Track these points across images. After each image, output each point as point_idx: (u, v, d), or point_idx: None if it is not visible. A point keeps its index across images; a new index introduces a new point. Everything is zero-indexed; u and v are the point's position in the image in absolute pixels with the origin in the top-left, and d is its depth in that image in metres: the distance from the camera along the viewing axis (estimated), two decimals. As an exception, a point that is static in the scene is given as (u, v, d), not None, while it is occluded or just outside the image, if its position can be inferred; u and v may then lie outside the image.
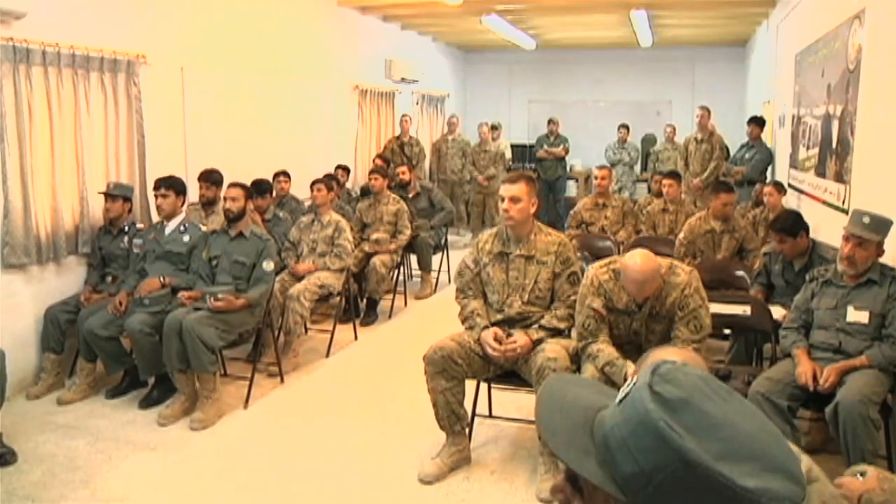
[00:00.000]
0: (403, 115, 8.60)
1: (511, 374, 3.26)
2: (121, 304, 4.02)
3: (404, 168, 6.81)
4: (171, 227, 4.32)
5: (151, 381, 4.11)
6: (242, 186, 4.26)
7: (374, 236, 5.79)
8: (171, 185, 4.31)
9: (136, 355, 3.95)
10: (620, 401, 0.73)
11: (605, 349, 2.97)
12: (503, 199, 3.20)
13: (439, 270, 6.83)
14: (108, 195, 4.37)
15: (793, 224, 3.74)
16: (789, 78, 6.24)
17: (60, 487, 3.12)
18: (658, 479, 0.67)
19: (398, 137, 8.43)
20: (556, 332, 3.20)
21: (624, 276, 2.97)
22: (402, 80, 8.96)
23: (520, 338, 3.11)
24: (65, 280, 4.33)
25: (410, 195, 6.68)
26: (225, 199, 4.23)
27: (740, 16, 8.36)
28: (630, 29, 8.98)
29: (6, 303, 4.01)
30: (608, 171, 6.25)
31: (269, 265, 4.11)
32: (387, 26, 8.72)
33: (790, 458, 0.69)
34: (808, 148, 5.36)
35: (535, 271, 3.23)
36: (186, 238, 4.27)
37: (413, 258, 6.68)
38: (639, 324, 3.05)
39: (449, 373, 3.17)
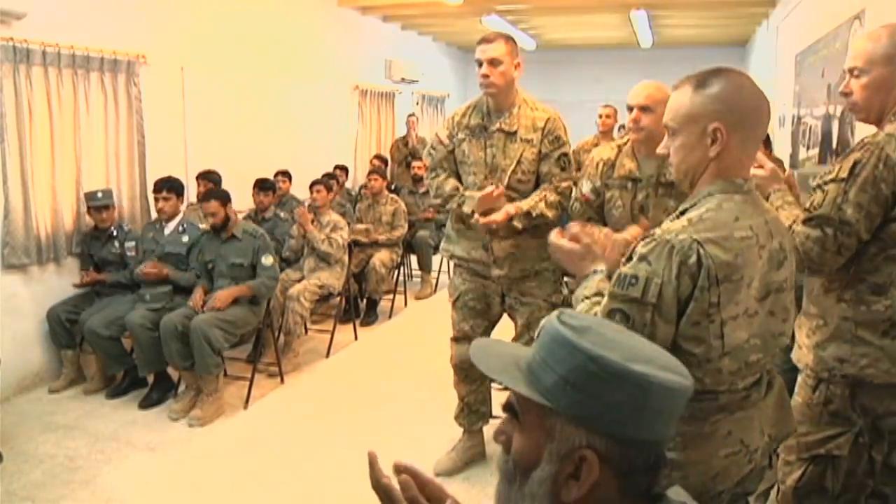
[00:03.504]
0: (410, 115, 8.51)
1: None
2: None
3: (421, 164, 6.82)
4: (170, 227, 4.32)
5: (151, 380, 4.11)
6: (216, 196, 4.06)
7: (362, 226, 5.77)
8: (173, 188, 4.30)
9: (135, 351, 3.96)
10: (536, 336, 0.91)
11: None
12: (480, 64, 2.76)
13: (439, 271, 6.83)
14: (101, 207, 4.27)
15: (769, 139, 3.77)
16: (789, 78, 6.24)
17: (60, 487, 3.12)
18: (573, 378, 0.83)
19: (404, 137, 8.41)
20: (542, 222, 2.81)
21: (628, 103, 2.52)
22: (402, 80, 8.95)
23: (498, 214, 2.76)
24: (65, 280, 4.32)
25: (421, 191, 6.73)
26: (205, 215, 4.10)
27: (740, 16, 8.36)
28: (630, 29, 8.98)
29: (6, 303, 4.01)
30: (613, 109, 6.11)
31: (267, 259, 4.06)
32: (387, 26, 8.72)
33: (677, 363, 0.89)
34: (808, 148, 5.36)
35: (519, 150, 2.83)
36: (185, 238, 4.26)
37: (413, 258, 6.70)
38: (644, 195, 2.56)
39: (471, 377, 3.15)
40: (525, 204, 2.81)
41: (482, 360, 0.94)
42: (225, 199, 4.07)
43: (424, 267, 6.58)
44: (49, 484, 3.14)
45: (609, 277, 1.50)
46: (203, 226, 4.40)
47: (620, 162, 2.61)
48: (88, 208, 4.30)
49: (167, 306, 4.00)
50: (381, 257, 5.66)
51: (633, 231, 2.45)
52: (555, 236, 1.60)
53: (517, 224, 2.79)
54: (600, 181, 2.65)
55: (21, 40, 3.93)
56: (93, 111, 4.45)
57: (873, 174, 1.69)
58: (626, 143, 2.66)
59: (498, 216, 2.75)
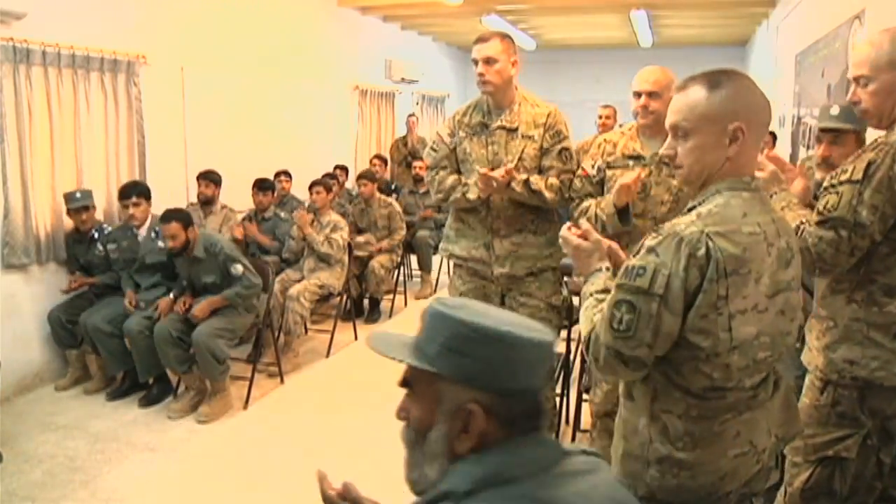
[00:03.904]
0: (410, 115, 8.48)
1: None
2: (131, 303, 4.04)
3: (422, 163, 6.79)
4: (142, 234, 4.22)
5: (150, 381, 4.11)
6: (178, 218, 3.83)
7: (361, 239, 5.73)
8: (142, 192, 4.18)
9: (134, 357, 3.95)
10: (420, 322, 1.05)
11: (593, 201, 2.67)
12: (476, 63, 2.81)
13: (439, 271, 6.83)
14: (81, 208, 4.16)
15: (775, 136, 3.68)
16: (789, 78, 6.24)
17: (60, 487, 3.12)
18: (452, 345, 0.96)
19: (403, 137, 8.40)
20: (540, 202, 2.81)
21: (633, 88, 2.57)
22: (402, 80, 8.95)
23: (499, 171, 2.73)
24: (64, 280, 4.31)
25: (421, 191, 6.72)
26: (165, 238, 3.90)
27: (740, 16, 8.36)
28: (630, 29, 8.99)
29: (6, 303, 4.01)
30: (612, 109, 6.09)
31: (236, 269, 3.89)
32: (387, 26, 8.73)
33: (540, 326, 1.02)
34: (808, 148, 5.36)
35: (520, 146, 2.83)
36: (161, 244, 4.11)
37: (413, 258, 6.71)
38: (647, 173, 2.57)
39: None
40: (527, 175, 2.81)
41: (376, 344, 1.04)
42: (187, 221, 3.86)
43: (424, 267, 6.59)
44: (49, 484, 3.14)
45: (615, 274, 1.50)
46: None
47: (624, 142, 2.68)
48: (68, 210, 4.19)
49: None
50: (380, 259, 5.67)
51: (631, 174, 2.48)
52: (566, 231, 1.61)
53: (515, 187, 2.77)
54: (602, 159, 2.71)
55: (21, 40, 3.93)
56: (93, 111, 4.45)
57: (888, 175, 1.69)
58: (630, 129, 2.73)
59: (499, 172, 2.73)
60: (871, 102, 1.79)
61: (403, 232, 5.95)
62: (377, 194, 5.95)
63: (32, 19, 4.01)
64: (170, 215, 3.84)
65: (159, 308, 3.93)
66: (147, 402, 3.98)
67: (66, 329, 4.14)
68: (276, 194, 5.35)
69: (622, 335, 1.35)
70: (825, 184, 1.81)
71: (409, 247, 6.41)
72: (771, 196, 1.88)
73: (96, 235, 4.27)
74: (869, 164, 1.71)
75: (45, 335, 4.24)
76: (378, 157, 7.73)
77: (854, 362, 1.80)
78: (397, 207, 5.97)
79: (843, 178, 1.75)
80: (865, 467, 1.85)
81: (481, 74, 2.79)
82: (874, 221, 1.70)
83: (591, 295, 1.51)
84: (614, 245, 1.64)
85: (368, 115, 8.27)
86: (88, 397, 4.10)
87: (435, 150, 3.02)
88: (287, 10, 6.61)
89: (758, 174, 1.91)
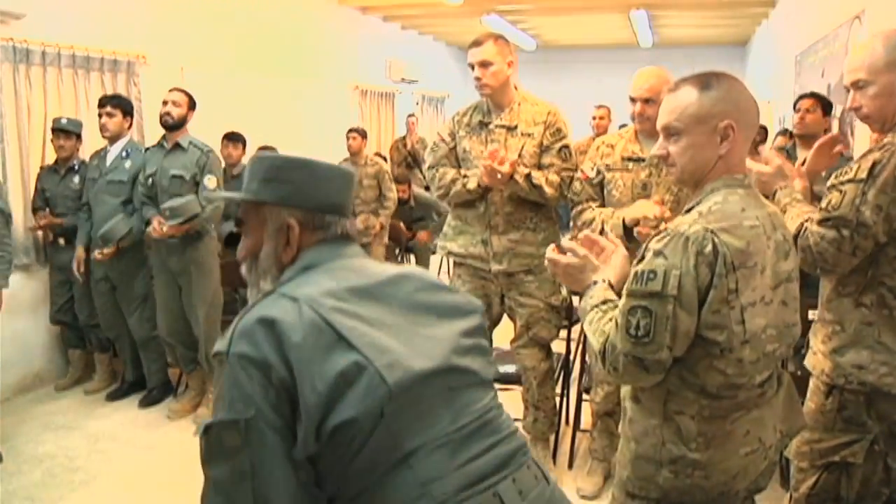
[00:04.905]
0: (410, 116, 8.44)
1: (510, 377, 3.27)
2: (80, 266, 3.81)
3: (404, 187, 6.70)
4: (113, 153, 3.86)
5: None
6: (186, 93, 3.75)
7: (360, 225, 5.62)
8: (119, 104, 3.87)
9: (145, 365, 4.00)
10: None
11: (598, 210, 2.69)
12: (472, 67, 2.83)
13: (439, 271, 6.84)
14: (63, 131, 3.90)
15: (830, 102, 3.67)
16: (789, 78, 6.24)
17: (60, 487, 3.11)
18: (269, 175, 1.21)
19: (403, 138, 8.38)
20: (539, 200, 2.84)
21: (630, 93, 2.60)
22: (402, 80, 8.95)
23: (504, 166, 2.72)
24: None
25: (406, 207, 6.69)
26: (165, 102, 3.68)
27: (740, 16, 8.37)
28: (630, 29, 8.99)
29: (7, 302, 4.00)
30: (607, 109, 6.03)
31: (210, 181, 3.61)
32: (387, 26, 8.73)
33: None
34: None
35: (520, 144, 2.85)
36: (128, 164, 3.82)
37: (413, 258, 6.72)
38: (647, 174, 2.61)
39: None
40: (529, 170, 2.82)
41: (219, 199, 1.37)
42: (194, 105, 3.75)
43: (421, 266, 6.59)
44: (49, 484, 3.14)
45: (611, 286, 1.50)
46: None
47: (622, 145, 2.70)
48: (53, 132, 3.93)
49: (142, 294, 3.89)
50: (375, 256, 5.67)
51: (644, 208, 2.47)
52: (551, 253, 1.58)
53: (518, 179, 2.77)
54: (601, 160, 2.73)
55: (21, 40, 3.93)
56: (93, 111, 4.42)
57: (893, 175, 1.66)
58: (629, 131, 2.75)
59: (504, 167, 2.70)
60: (873, 106, 1.77)
61: (394, 195, 5.84)
62: (365, 152, 5.82)
63: (32, 19, 4.01)
64: (179, 88, 3.78)
65: (154, 230, 3.55)
66: (147, 402, 3.97)
67: (73, 329, 4.15)
68: (245, 149, 5.09)
69: (641, 341, 1.36)
70: (829, 182, 1.79)
71: (409, 248, 6.45)
72: (776, 191, 1.88)
73: (76, 167, 3.99)
74: (874, 164, 1.69)
75: (45, 335, 4.25)
76: (377, 155, 7.73)
77: (862, 367, 1.77)
78: (385, 167, 5.85)
79: (848, 176, 1.73)
80: (873, 473, 1.83)
81: (478, 79, 2.81)
82: (878, 222, 1.67)
83: (592, 308, 1.49)
84: (623, 250, 1.60)
85: (368, 115, 8.26)
86: (88, 397, 4.10)
87: (435, 150, 3.05)
88: (287, 10, 6.61)
89: (763, 168, 1.91)
